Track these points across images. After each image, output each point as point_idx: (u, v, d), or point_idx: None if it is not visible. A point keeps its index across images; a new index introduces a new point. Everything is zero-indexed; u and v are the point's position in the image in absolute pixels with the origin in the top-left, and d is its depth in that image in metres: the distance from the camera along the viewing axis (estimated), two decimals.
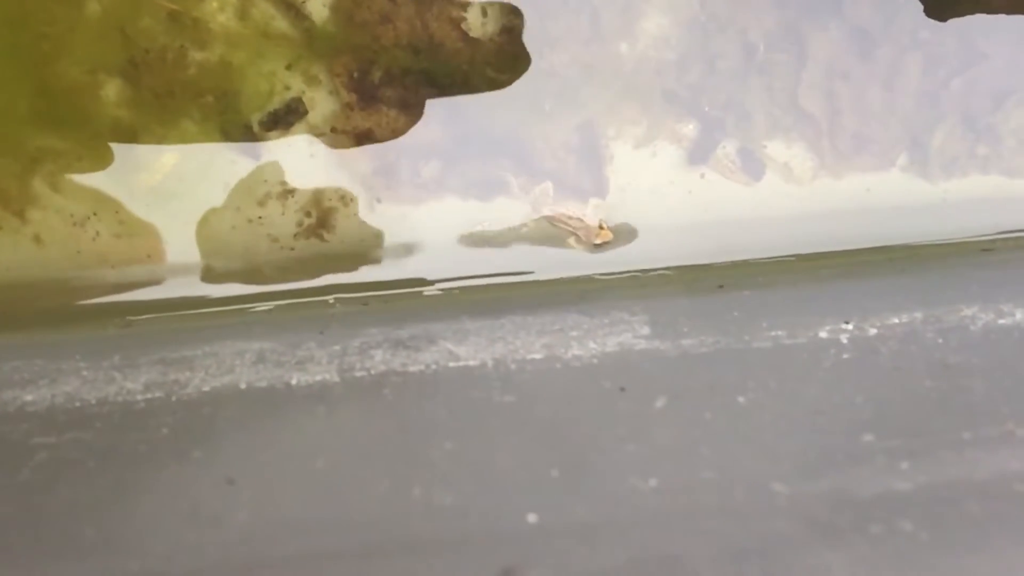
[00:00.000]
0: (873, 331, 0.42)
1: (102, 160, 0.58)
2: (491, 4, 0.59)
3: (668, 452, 0.32)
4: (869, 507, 0.28)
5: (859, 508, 0.28)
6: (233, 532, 0.29)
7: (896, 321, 0.43)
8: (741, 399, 0.36)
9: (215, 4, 0.57)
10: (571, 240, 0.57)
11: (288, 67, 0.58)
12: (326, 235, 0.60)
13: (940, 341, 0.41)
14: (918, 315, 0.44)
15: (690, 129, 0.61)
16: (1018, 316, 0.43)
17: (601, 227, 0.56)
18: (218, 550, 0.28)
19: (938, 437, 0.32)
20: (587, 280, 0.55)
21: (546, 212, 0.57)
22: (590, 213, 0.57)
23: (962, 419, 0.33)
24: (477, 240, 0.60)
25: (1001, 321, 0.43)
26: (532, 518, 0.29)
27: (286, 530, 0.29)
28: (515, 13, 0.59)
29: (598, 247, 0.56)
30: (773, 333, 0.43)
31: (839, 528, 0.27)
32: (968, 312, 0.44)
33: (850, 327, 0.43)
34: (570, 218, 0.56)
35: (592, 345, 0.43)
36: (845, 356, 0.40)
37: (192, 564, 0.28)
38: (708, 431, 0.33)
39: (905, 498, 0.28)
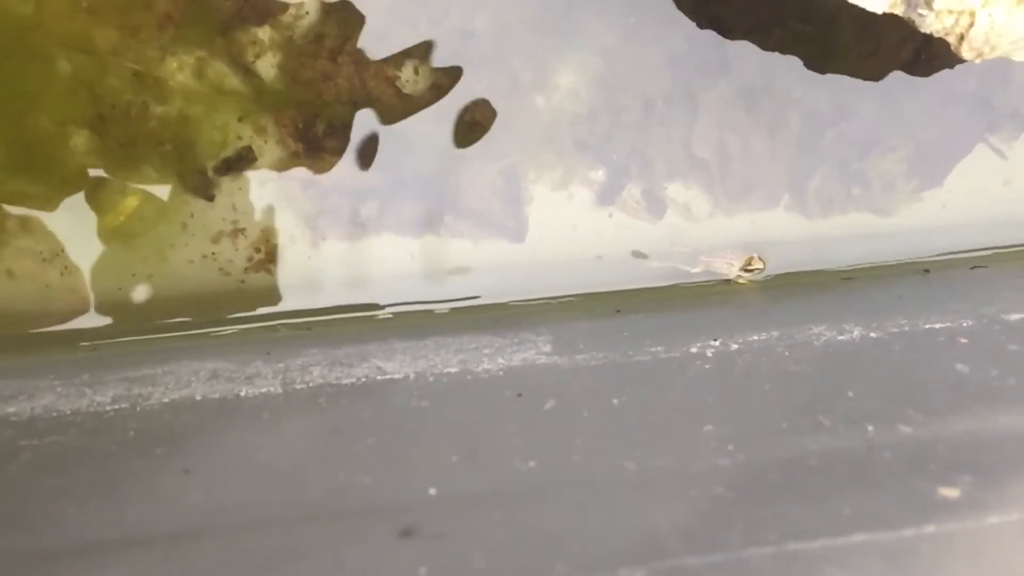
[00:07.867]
0: (735, 347, 0.50)
1: (71, 202, 0.64)
2: (422, 65, 0.67)
3: (548, 442, 0.39)
4: (696, 477, 0.35)
5: (687, 478, 0.35)
6: (189, 509, 0.36)
7: (755, 338, 0.51)
8: (615, 401, 0.44)
9: (174, 64, 0.64)
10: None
11: (239, 119, 0.65)
12: (274, 269, 0.67)
13: (787, 354, 0.49)
14: (775, 333, 0.52)
15: (599, 174, 0.70)
16: (855, 333, 0.51)
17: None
18: (176, 521, 0.35)
19: (762, 426, 0.40)
20: (503, 307, 0.63)
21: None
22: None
23: (784, 412, 0.41)
24: (413, 273, 0.67)
25: (840, 337, 0.51)
26: (432, 491, 0.36)
27: (234, 506, 0.36)
28: (444, 73, 0.67)
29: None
30: (653, 349, 0.50)
31: (668, 490, 0.34)
32: (816, 330, 0.52)
33: (717, 343, 0.51)
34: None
35: (500, 360, 0.50)
36: (707, 367, 0.48)
37: (158, 530, 0.35)
38: (583, 426, 0.41)
39: (723, 470, 0.36)
